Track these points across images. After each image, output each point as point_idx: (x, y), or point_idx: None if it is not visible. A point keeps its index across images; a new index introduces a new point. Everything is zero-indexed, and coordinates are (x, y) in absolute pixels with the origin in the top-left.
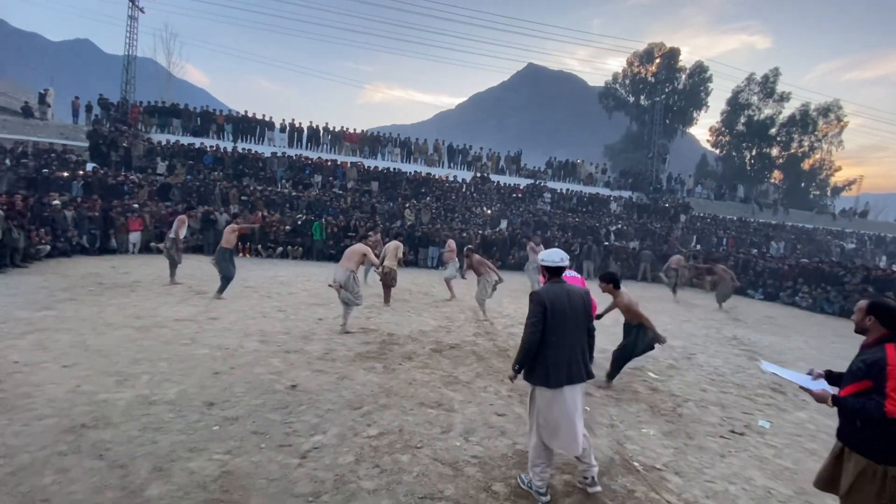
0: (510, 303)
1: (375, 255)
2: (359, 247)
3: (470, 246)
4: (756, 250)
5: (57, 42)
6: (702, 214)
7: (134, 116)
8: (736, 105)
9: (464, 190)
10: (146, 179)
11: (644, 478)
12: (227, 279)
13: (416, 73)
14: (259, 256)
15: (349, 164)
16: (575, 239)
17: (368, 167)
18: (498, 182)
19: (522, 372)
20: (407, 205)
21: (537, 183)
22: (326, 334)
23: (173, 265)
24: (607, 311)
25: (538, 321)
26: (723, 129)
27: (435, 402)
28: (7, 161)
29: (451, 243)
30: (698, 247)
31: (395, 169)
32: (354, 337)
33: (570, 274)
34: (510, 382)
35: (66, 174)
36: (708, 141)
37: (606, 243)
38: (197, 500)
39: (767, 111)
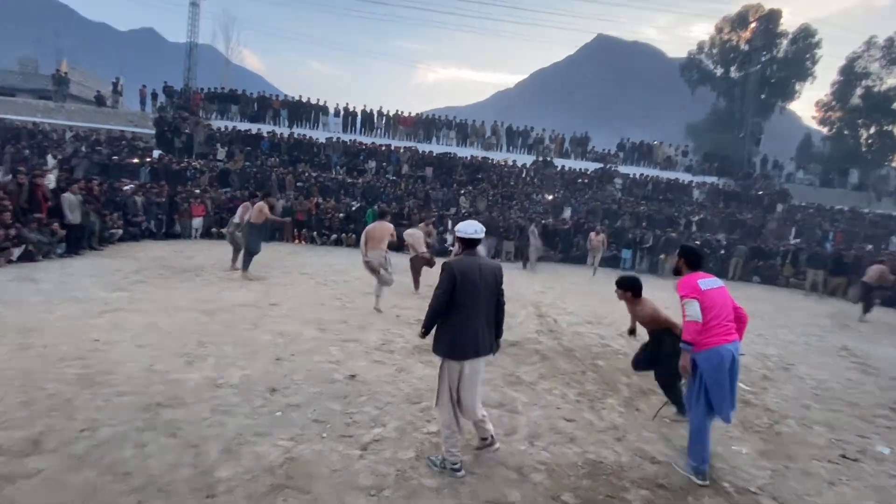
0: (574, 298)
1: (427, 243)
2: (387, 226)
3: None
4: (870, 246)
5: (123, 31)
6: (803, 203)
7: (196, 103)
8: (851, 74)
9: (524, 175)
10: (207, 165)
11: (735, 501)
12: (249, 253)
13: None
14: (314, 243)
15: (403, 149)
16: (649, 230)
17: (423, 152)
18: (562, 167)
19: (433, 344)
20: (462, 191)
21: (607, 167)
22: (383, 324)
23: (236, 250)
24: (633, 324)
25: (445, 291)
26: (833, 103)
27: (497, 402)
28: (83, 148)
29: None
30: (797, 241)
31: (450, 154)
32: (412, 329)
33: (714, 285)
34: (576, 385)
35: (135, 160)
36: (813, 118)
37: (672, 234)
38: (265, 483)
39: (891, 81)
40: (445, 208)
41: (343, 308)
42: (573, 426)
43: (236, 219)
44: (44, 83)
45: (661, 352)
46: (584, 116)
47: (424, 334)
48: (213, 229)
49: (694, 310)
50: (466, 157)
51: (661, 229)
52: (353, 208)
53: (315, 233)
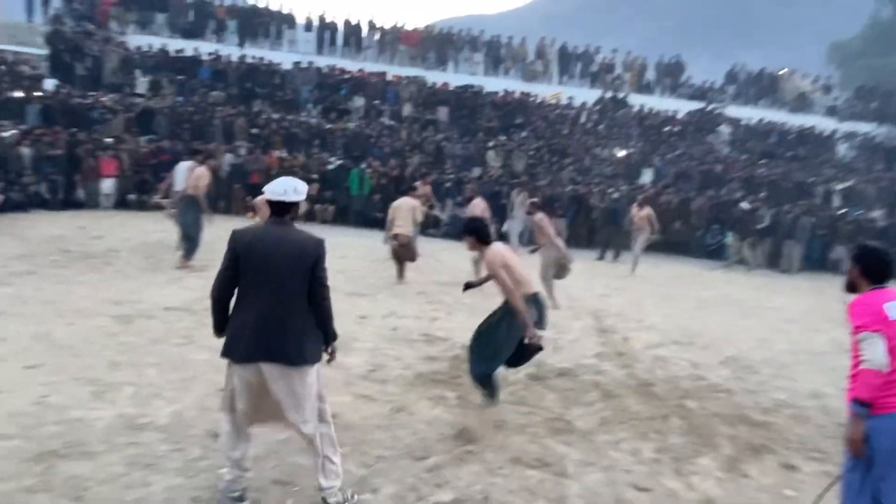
0: (656, 306)
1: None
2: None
3: (534, 199)
4: None
5: None
6: None
7: (104, 12)
8: None
9: (583, 120)
10: (122, 102)
11: None
12: (191, 241)
13: None
14: None
15: (405, 80)
16: (770, 203)
17: (434, 84)
18: (640, 107)
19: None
20: (491, 144)
21: (709, 109)
22: (373, 340)
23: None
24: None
25: (223, 269)
26: None
27: (537, 460)
28: None
29: (479, 202)
30: None
31: (474, 87)
32: (413, 347)
33: None
34: (654, 437)
35: (19, 94)
36: None
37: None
38: None
39: None
40: (466, 168)
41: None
42: (648, 498)
43: (181, 186)
44: None
45: (493, 323)
46: (674, 32)
47: (217, 335)
48: (131, 196)
49: (876, 351)
50: (498, 93)
51: (786, 203)
52: (331, 167)
53: None
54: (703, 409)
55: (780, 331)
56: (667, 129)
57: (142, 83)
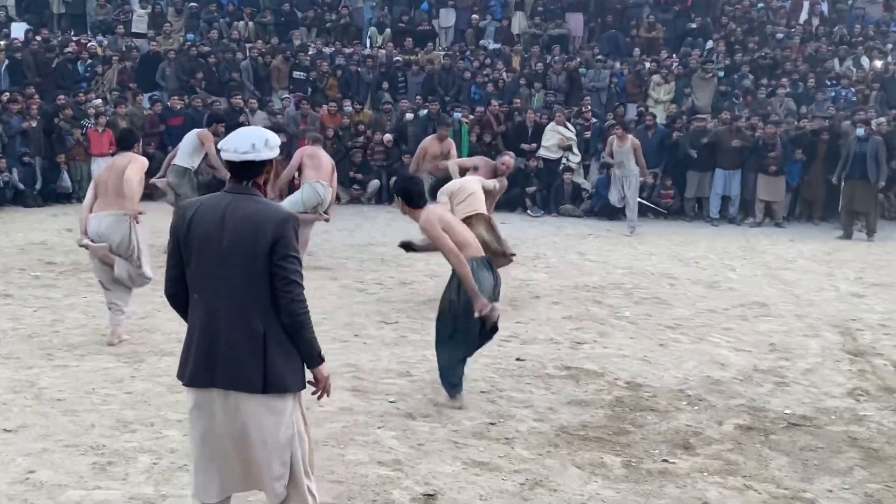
0: None
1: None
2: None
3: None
4: None
5: None
6: None
7: None
8: None
9: (804, 16)
10: (114, 47)
11: None
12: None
13: None
14: (336, 202)
15: None
16: None
17: None
18: None
19: None
20: (658, 64)
21: None
22: (487, 377)
23: None
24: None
25: (168, 256)
26: None
27: None
28: None
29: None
30: None
31: None
32: (551, 388)
33: None
34: None
35: None
36: None
37: None
38: None
39: None
40: (614, 106)
41: (400, 342)
42: None
43: (182, 160)
44: None
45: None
46: None
47: None
48: (151, 180)
49: None
50: None
51: None
52: (411, 120)
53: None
54: None
55: None
56: None
57: (139, 18)
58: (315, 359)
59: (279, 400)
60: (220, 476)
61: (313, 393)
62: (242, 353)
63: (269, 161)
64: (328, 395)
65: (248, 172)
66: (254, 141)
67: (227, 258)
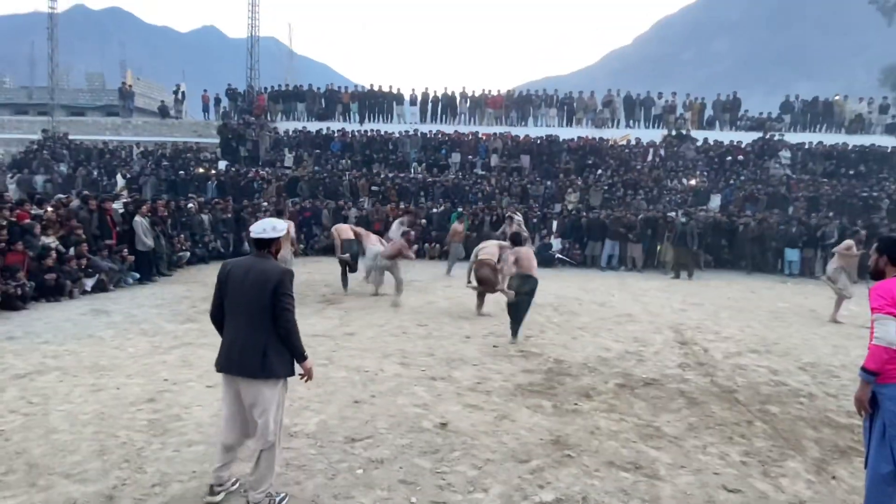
0: (732, 319)
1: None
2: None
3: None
4: None
5: (185, 33)
6: None
7: (260, 106)
8: None
9: (650, 157)
10: (274, 174)
11: None
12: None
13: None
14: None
15: (493, 136)
16: (834, 219)
17: (516, 137)
18: (704, 140)
19: None
20: (569, 183)
21: (768, 137)
22: (476, 354)
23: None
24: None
25: (214, 293)
26: None
27: (630, 463)
28: (150, 164)
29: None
30: None
31: (551, 136)
32: (512, 362)
33: None
34: (740, 441)
35: (201, 170)
36: None
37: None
38: None
39: None
40: (548, 206)
41: (429, 336)
42: (740, 500)
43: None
44: (111, 98)
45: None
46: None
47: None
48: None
49: (888, 331)
50: (574, 140)
51: (851, 217)
52: (436, 212)
53: None
54: (786, 414)
55: (856, 337)
56: (730, 158)
57: (288, 158)
58: (300, 356)
59: (273, 382)
60: (236, 426)
61: (301, 377)
62: (250, 353)
63: (276, 238)
64: (311, 380)
65: (262, 244)
66: (265, 227)
67: (247, 295)
